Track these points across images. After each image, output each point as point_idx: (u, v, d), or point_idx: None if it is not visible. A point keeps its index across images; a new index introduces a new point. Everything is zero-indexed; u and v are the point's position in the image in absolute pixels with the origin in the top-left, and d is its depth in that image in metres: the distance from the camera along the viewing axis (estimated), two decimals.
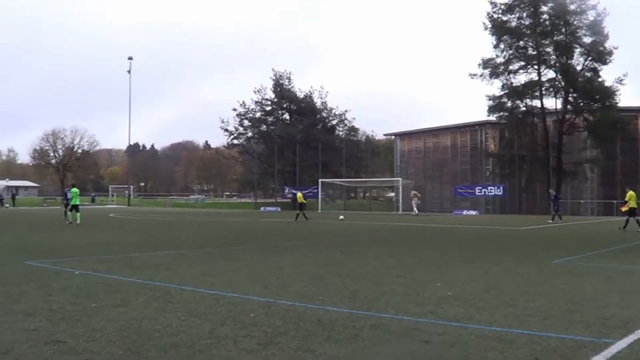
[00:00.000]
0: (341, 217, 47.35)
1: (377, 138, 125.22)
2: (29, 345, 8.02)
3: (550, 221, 46.21)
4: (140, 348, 7.89)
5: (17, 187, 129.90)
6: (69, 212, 40.72)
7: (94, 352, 7.67)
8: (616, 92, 69.94)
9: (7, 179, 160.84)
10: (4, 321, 9.48)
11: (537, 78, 74.01)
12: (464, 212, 71.04)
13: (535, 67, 74.04)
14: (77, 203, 41.50)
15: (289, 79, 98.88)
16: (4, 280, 13.89)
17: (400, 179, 79.66)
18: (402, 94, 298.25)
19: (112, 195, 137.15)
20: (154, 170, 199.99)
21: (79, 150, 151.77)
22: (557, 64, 73.16)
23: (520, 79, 75.33)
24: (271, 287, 13.07)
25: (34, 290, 12.44)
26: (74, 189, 42.42)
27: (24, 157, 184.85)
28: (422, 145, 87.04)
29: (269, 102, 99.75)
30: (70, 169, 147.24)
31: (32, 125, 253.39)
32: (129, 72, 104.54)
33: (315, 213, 65.66)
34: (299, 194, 51.35)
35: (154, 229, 38.21)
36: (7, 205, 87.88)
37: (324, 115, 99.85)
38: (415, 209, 65.66)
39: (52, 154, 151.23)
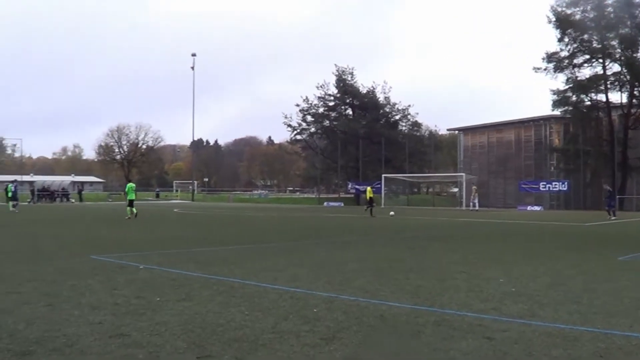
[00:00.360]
0: (391, 212, 47.10)
1: (440, 133, 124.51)
2: (94, 338, 8.12)
3: (614, 217, 45.60)
4: (203, 342, 7.94)
5: (82, 183, 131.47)
6: (131, 208, 41.16)
7: (158, 346, 7.75)
8: None
9: (72, 175, 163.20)
10: (70, 314, 9.62)
11: (602, 72, 73.08)
12: (528, 208, 70.45)
13: (600, 60, 73.08)
14: (133, 198, 42.04)
15: (351, 74, 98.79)
16: (70, 274, 14.08)
17: (463, 174, 79.13)
18: (466, 89, 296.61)
19: (177, 191, 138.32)
20: (217, 166, 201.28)
21: (144, 146, 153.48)
22: (622, 58, 72.07)
23: (585, 72, 74.52)
24: (334, 282, 13.08)
25: (99, 284, 12.59)
26: (130, 184, 43.07)
27: (90, 153, 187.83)
28: (485, 140, 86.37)
29: (332, 98, 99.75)
30: (134, 165, 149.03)
31: (98, 121, 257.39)
32: (192, 68, 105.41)
33: (378, 208, 65.46)
34: (369, 189, 51.08)
35: (218, 224, 38.42)
36: (73, 201, 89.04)
37: (387, 110, 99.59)
38: (475, 203, 65.40)
39: (117, 150, 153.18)
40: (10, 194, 54.04)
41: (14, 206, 52.69)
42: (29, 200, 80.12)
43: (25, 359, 7.16)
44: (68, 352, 7.44)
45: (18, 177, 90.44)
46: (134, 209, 41.36)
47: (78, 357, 7.29)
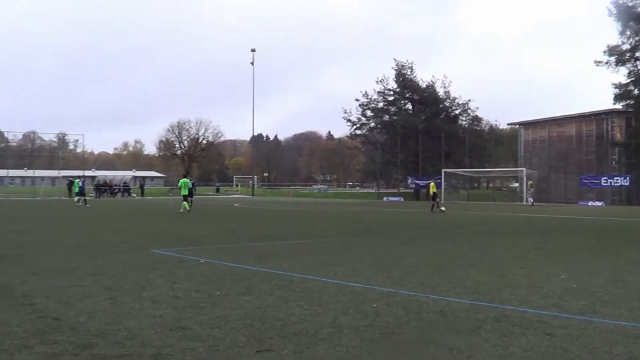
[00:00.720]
0: (442, 208, 46.80)
1: (500, 127, 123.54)
2: (154, 331, 8.22)
3: None
4: (263, 336, 7.99)
5: (144, 177, 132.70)
6: (183, 202, 41.61)
7: (218, 339, 7.81)
8: None
9: (134, 170, 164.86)
10: (132, 307, 9.74)
11: None
12: (589, 203, 69.60)
13: None
14: (186, 193, 42.67)
15: (411, 68, 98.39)
16: (131, 268, 14.26)
17: (524, 169, 78.46)
18: (527, 83, 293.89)
19: (237, 185, 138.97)
20: (277, 161, 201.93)
21: (204, 141, 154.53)
22: None
23: None
24: (393, 277, 13.07)
25: (160, 278, 12.73)
26: (183, 180, 43.57)
27: (151, 148, 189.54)
28: (546, 135, 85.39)
29: (392, 92, 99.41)
30: (195, 160, 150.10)
31: (159, 117, 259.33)
32: (252, 64, 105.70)
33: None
34: (432, 184, 50.75)
35: (277, 218, 38.56)
36: (135, 195, 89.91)
37: (447, 104, 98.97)
38: (530, 198, 65.01)
39: (177, 145, 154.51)
40: (77, 189, 55.08)
41: (82, 201, 53.68)
42: (91, 195, 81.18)
43: (87, 352, 7.27)
44: (129, 345, 7.54)
45: (79, 173, 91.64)
46: (187, 204, 41.89)
47: (139, 349, 7.38)
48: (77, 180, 57.32)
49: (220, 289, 11.44)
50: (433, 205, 47.10)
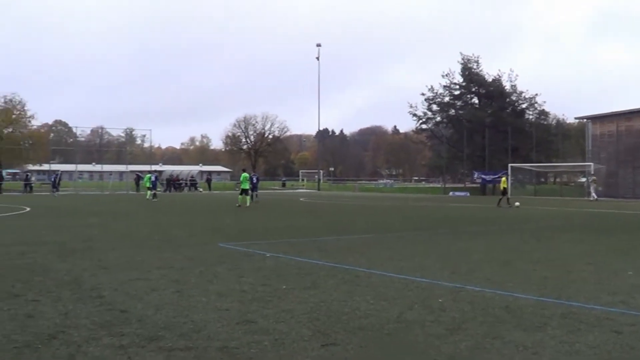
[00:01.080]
0: (517, 203, 46.29)
1: (568, 122, 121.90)
2: (220, 324, 8.30)
3: None
4: (328, 330, 8.03)
5: (210, 172, 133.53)
6: (246, 197, 42.04)
7: (284, 333, 7.86)
8: None
9: (200, 164, 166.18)
10: (198, 300, 9.85)
11: None
12: None
13: None
14: (246, 187, 43.30)
15: (477, 62, 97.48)
16: (198, 262, 14.42)
17: (591, 163, 77.39)
18: (595, 76, 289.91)
19: (302, 180, 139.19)
20: (343, 155, 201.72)
21: (270, 136, 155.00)
22: None
23: None
24: (460, 272, 13.03)
25: (226, 272, 12.85)
26: (244, 174, 44.18)
27: (217, 143, 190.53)
28: (614, 129, 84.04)
29: (457, 86, 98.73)
30: (261, 154, 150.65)
31: (225, 112, 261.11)
32: (317, 58, 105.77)
33: (504, 198, 64.72)
34: (504, 179, 50.28)
35: (343, 213, 38.57)
36: (201, 190, 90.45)
37: (514, 98, 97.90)
38: (593, 194, 64.29)
39: (243, 140, 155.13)
40: (149, 184, 56.09)
41: (153, 195, 54.61)
42: (160, 189, 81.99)
43: (154, 344, 7.37)
44: (195, 338, 7.63)
45: (147, 167, 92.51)
46: (247, 198, 42.57)
47: (205, 342, 7.46)
48: (148, 175, 58.83)
49: (286, 282, 11.51)
50: (500, 199, 46.71)
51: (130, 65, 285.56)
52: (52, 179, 70.92)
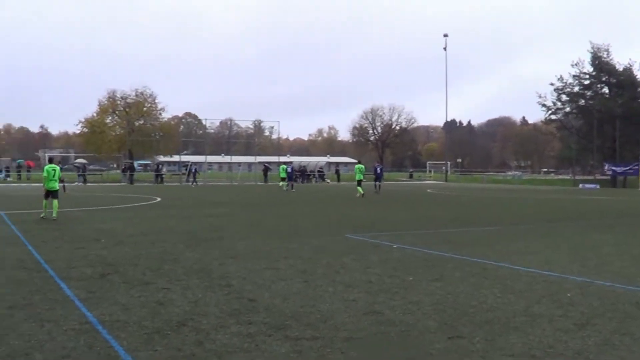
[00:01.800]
0: None
1: None
2: (347, 315, 8.32)
3: None
4: (455, 322, 7.96)
5: (338, 163, 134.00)
6: (358, 187, 42.12)
7: (410, 325, 7.84)
8: None
9: (328, 156, 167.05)
10: (325, 291, 9.91)
11: None
12: None
13: None
14: (361, 178, 43.89)
15: (607, 51, 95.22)
16: (325, 252, 14.50)
17: None
18: None
19: (430, 172, 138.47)
20: (470, 147, 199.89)
21: (397, 127, 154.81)
22: None
23: None
24: (589, 266, 12.76)
25: (353, 262, 12.89)
26: (358, 165, 44.80)
27: (344, 134, 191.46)
28: None
29: (587, 76, 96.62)
30: (388, 146, 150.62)
31: (352, 103, 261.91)
32: (444, 49, 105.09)
33: (635, 190, 63.18)
34: None
35: (471, 204, 38.16)
36: (329, 181, 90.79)
37: None
38: None
39: (370, 131, 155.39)
40: (284, 174, 57.24)
41: (291, 187, 56.00)
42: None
43: (281, 333, 7.44)
44: (322, 328, 7.67)
45: (275, 159, 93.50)
46: (359, 189, 42.46)
47: (331, 332, 7.49)
48: (284, 166, 60.00)
49: (413, 274, 11.47)
50: None
51: (258, 59, 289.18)
52: (193, 170, 72.90)
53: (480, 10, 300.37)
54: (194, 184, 69.18)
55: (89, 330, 7.58)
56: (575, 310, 8.76)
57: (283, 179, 57.86)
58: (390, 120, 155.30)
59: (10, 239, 17.14)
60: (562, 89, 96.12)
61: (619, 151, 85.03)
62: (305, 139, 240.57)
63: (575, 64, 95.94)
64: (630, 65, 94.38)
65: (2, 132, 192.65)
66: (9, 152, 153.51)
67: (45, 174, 24.01)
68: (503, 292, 9.91)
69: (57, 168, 24.48)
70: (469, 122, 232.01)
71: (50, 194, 23.70)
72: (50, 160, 25.50)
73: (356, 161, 53.24)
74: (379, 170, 50.33)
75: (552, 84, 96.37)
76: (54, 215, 23.21)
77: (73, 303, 9.05)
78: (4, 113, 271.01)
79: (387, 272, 11.67)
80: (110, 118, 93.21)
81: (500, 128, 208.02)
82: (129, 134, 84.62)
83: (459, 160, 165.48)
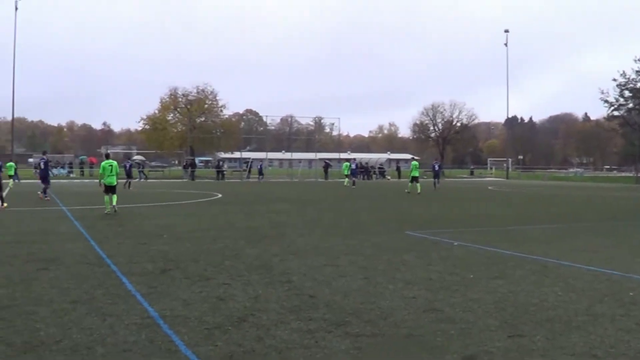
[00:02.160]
0: None
1: None
2: (407, 312, 8.33)
3: None
4: (515, 321, 7.93)
5: (398, 160, 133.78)
6: (417, 184, 42.09)
7: (470, 323, 7.82)
8: None
9: (389, 152, 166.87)
10: (386, 288, 9.93)
11: None
12: None
13: None
14: (417, 175, 43.64)
15: None
16: (386, 249, 14.51)
17: None
18: None
19: (491, 168, 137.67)
20: (532, 143, 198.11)
21: (458, 124, 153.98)
22: None
23: None
24: None
25: (414, 260, 12.88)
26: (414, 162, 45.04)
27: (405, 131, 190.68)
28: None
29: None
30: (449, 142, 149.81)
31: (413, 100, 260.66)
32: (505, 45, 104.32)
33: None
34: None
35: (532, 202, 37.85)
36: (389, 178, 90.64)
37: None
38: None
39: (431, 128, 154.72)
40: (347, 171, 58.34)
41: (352, 183, 56.48)
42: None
43: (341, 329, 7.48)
44: (382, 325, 7.70)
45: (335, 155, 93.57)
46: (418, 185, 42.40)
47: (391, 329, 7.51)
48: (347, 163, 60.51)
49: (473, 272, 11.44)
50: None
51: (319, 57, 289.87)
52: (259, 167, 74.37)
53: (542, 5, 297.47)
54: (261, 178, 70.59)
55: (150, 325, 7.70)
56: (638, 309, 8.66)
57: (347, 176, 58.36)
58: (451, 116, 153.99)
59: (73, 234, 17.41)
60: (625, 85, 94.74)
61: None
62: (366, 135, 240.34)
63: (639, 59, 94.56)
64: None
65: (65, 129, 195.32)
66: (72, 148, 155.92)
67: (101, 170, 24.36)
68: (564, 291, 9.83)
69: (115, 163, 24.86)
70: (531, 118, 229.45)
71: (110, 189, 24.06)
72: (107, 156, 25.82)
73: (417, 158, 53.15)
74: (436, 167, 50.48)
75: (614, 80, 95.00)
76: (115, 208, 23.68)
77: (135, 298, 9.19)
78: (67, 110, 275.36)
79: (448, 270, 11.65)
80: (171, 115, 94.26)
81: (562, 124, 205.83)
82: (190, 131, 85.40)
83: (521, 157, 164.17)
